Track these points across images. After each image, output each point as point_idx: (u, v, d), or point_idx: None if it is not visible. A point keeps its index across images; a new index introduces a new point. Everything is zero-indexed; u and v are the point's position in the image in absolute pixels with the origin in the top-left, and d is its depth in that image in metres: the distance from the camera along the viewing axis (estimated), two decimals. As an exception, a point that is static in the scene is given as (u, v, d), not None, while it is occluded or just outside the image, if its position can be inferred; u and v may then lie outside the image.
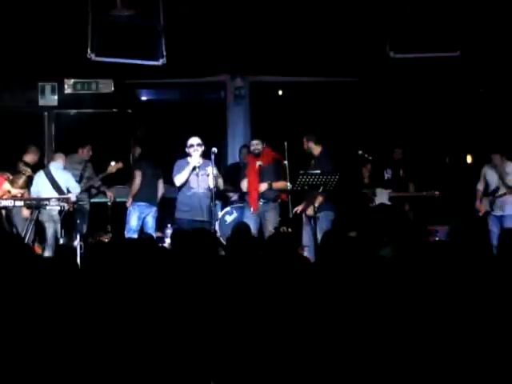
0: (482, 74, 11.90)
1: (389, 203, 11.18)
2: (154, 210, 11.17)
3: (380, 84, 12.67)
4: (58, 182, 10.74)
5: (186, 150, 9.96)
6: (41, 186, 10.77)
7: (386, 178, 11.49)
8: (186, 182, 9.87)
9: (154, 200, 11.24)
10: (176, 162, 10.03)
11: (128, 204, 11.16)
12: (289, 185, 9.74)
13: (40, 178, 10.85)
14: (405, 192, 11.34)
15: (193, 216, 9.78)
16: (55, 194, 10.47)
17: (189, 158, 9.94)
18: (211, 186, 9.75)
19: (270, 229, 9.88)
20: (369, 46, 10.53)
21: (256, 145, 10.29)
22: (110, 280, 4.34)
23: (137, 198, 11.15)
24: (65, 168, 11.03)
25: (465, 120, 12.65)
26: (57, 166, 10.95)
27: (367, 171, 11.50)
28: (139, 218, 11.10)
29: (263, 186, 10.15)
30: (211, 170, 9.68)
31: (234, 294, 4.11)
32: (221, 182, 10.13)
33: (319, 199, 9.67)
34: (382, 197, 11.22)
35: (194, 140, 9.96)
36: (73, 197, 10.48)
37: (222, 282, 4.32)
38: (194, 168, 9.85)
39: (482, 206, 10.61)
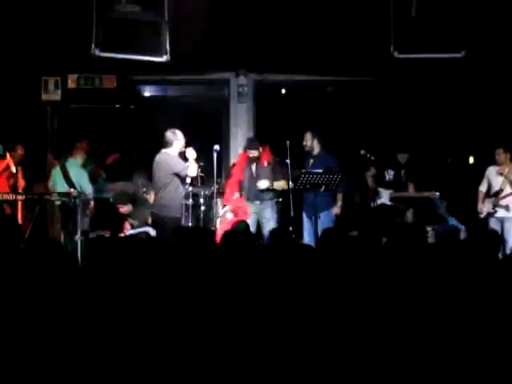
0: (486, 75, 11.86)
1: (389, 203, 11.16)
2: None
3: (384, 84, 12.65)
4: (71, 179, 10.79)
5: (180, 143, 9.42)
6: (56, 181, 10.87)
7: (387, 178, 11.45)
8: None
9: None
10: (170, 155, 9.41)
11: None
12: (291, 184, 9.72)
13: (56, 173, 10.96)
14: (406, 192, 11.30)
15: (176, 213, 9.44)
16: (66, 189, 10.56)
17: (174, 152, 9.45)
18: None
19: (267, 227, 9.86)
20: (373, 46, 10.50)
21: (252, 154, 10.28)
22: (111, 276, 4.33)
23: None
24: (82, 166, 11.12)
25: (468, 121, 12.62)
26: (73, 163, 11.01)
27: (370, 175, 11.48)
28: None
29: (263, 184, 10.17)
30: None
31: (231, 290, 4.10)
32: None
33: None
34: (383, 197, 11.22)
35: None
36: (74, 192, 10.50)
37: (221, 278, 4.32)
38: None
39: (484, 208, 10.54)
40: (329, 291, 3.92)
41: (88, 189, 10.84)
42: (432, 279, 4.16)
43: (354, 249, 4.57)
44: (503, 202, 10.39)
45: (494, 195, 10.44)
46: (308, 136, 10.24)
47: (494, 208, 10.41)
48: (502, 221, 10.35)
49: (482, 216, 10.54)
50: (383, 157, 11.52)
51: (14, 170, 10.94)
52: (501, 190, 10.41)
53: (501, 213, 10.38)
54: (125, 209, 10.57)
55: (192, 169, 9.27)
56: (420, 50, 9.35)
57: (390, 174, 11.46)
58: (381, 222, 10.63)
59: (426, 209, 11.17)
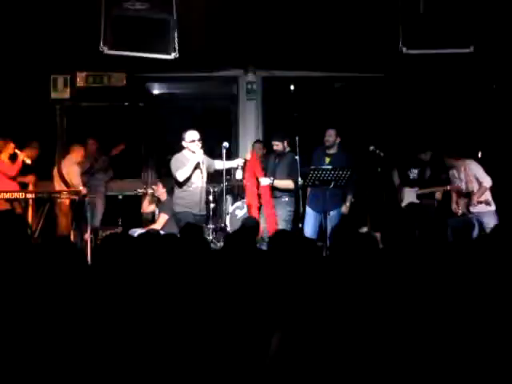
0: (495, 71, 11.83)
1: (417, 201, 11.12)
2: None
3: (392, 80, 12.63)
4: (64, 176, 10.85)
5: (187, 144, 9.52)
6: (55, 179, 10.94)
7: (411, 177, 11.40)
8: (189, 177, 9.50)
9: None
10: (174, 158, 9.56)
11: None
12: (300, 180, 9.69)
13: (55, 172, 11.03)
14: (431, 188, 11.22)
15: (192, 210, 9.50)
16: (63, 188, 10.60)
17: (186, 153, 9.55)
18: (238, 178, 10.12)
19: (278, 225, 9.86)
20: (381, 42, 10.48)
21: (276, 145, 10.27)
22: (120, 273, 4.34)
23: None
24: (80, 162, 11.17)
25: (477, 116, 12.58)
26: (69, 161, 11.05)
27: (396, 173, 11.49)
28: None
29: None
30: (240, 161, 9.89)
31: (237, 287, 4.10)
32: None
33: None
34: (410, 196, 11.18)
35: (196, 135, 9.56)
36: (83, 190, 10.54)
37: (227, 276, 4.32)
38: (198, 164, 9.47)
39: (460, 207, 10.48)
40: (340, 287, 3.92)
41: (78, 185, 10.83)
42: (452, 276, 4.16)
43: (366, 245, 4.57)
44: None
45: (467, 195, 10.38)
46: (332, 133, 10.17)
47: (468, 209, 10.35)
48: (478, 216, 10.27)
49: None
50: (405, 156, 11.49)
51: (29, 161, 10.97)
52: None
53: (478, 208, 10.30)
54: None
55: (180, 174, 9.38)
56: (428, 45, 9.33)
57: (413, 173, 11.40)
58: (412, 221, 10.62)
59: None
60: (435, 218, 10.82)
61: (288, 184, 9.99)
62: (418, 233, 8.18)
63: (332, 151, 10.18)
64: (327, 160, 10.09)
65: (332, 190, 9.48)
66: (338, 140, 10.16)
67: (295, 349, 3.14)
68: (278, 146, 10.18)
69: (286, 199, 10.08)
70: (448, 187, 10.83)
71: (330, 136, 10.15)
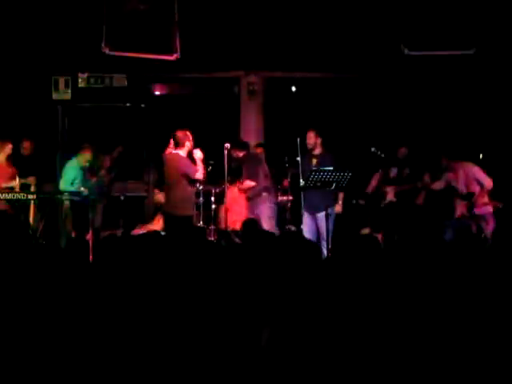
0: (496, 72, 11.83)
1: (394, 199, 11.11)
2: None
3: (394, 81, 12.62)
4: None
5: (190, 143, 9.38)
6: None
7: (391, 176, 11.38)
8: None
9: None
10: (181, 156, 9.33)
11: None
12: (301, 181, 9.65)
13: None
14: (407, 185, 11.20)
15: (188, 211, 9.47)
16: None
17: (183, 152, 9.42)
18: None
19: (263, 223, 9.86)
20: (383, 43, 10.49)
21: (237, 153, 10.55)
22: (121, 273, 4.34)
23: None
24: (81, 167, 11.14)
25: (478, 118, 12.58)
26: (70, 163, 11.05)
27: (377, 177, 11.44)
28: None
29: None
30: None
31: (244, 284, 4.11)
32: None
33: None
34: (390, 195, 11.19)
35: None
36: (85, 191, 10.55)
37: (231, 274, 4.32)
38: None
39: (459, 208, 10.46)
40: (341, 288, 3.92)
41: (63, 187, 10.79)
42: (450, 277, 4.16)
43: (367, 247, 4.57)
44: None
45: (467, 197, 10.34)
46: (311, 135, 10.07)
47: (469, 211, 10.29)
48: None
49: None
50: (388, 155, 11.47)
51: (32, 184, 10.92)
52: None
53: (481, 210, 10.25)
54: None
55: (200, 172, 9.25)
56: (430, 47, 9.34)
57: (393, 172, 11.39)
58: (392, 220, 10.61)
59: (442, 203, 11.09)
60: (432, 219, 10.80)
61: (248, 184, 10.16)
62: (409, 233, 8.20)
63: (317, 152, 10.09)
64: (314, 161, 10.00)
65: (324, 191, 9.38)
66: (320, 140, 10.07)
67: (286, 344, 3.15)
68: (237, 154, 10.49)
69: (264, 194, 10.19)
70: (418, 184, 10.89)
71: (310, 138, 10.05)
